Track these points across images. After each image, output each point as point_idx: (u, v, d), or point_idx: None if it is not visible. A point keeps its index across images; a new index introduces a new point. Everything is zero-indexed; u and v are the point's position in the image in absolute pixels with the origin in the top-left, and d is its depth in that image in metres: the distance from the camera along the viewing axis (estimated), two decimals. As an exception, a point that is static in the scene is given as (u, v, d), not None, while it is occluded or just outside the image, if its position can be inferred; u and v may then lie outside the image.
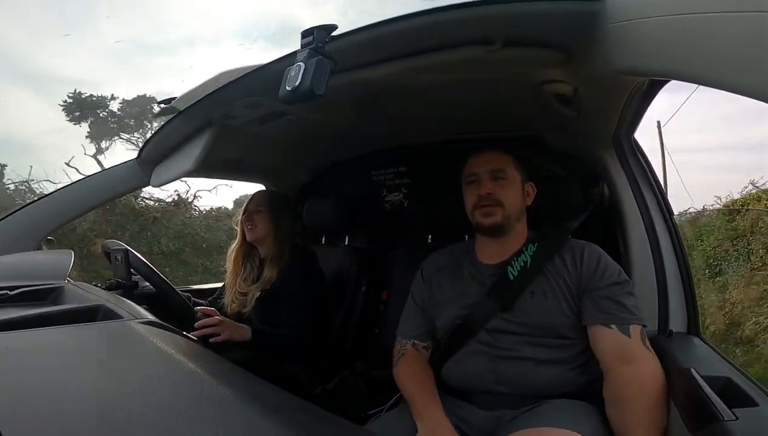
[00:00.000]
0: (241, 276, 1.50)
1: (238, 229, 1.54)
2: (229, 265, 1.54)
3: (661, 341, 0.99)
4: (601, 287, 0.93)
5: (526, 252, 1.02)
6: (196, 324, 1.19)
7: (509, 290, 0.99)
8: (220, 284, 1.70)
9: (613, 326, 0.89)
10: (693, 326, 1.06)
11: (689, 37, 0.47)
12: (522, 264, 1.00)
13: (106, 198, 1.54)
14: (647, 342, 0.89)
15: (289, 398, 0.56)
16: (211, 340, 1.17)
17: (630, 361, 0.86)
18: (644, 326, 0.91)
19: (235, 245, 1.55)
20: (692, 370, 0.79)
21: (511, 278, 1.00)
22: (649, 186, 1.22)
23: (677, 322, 1.06)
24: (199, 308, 1.24)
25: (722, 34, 0.43)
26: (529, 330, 0.95)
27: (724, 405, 0.68)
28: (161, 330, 0.76)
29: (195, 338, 1.04)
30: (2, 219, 1.30)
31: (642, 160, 1.25)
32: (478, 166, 1.06)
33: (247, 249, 1.53)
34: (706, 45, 0.45)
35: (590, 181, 1.33)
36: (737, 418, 0.65)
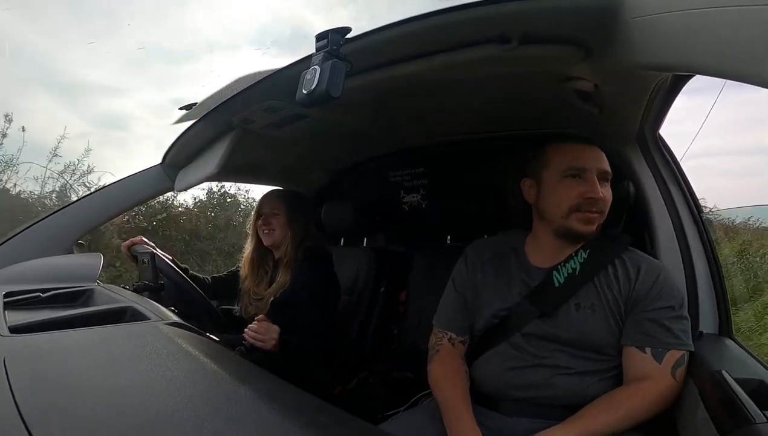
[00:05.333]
0: (256, 281, 1.48)
1: (251, 232, 1.51)
2: (244, 269, 1.52)
3: None
4: (651, 308, 0.87)
5: (575, 258, 0.94)
6: (246, 333, 1.24)
7: (552, 297, 0.92)
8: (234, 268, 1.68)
9: (648, 350, 0.85)
10: (725, 327, 1.02)
11: (712, 31, 0.46)
12: (570, 271, 0.93)
13: (133, 202, 1.59)
14: (679, 369, 0.84)
15: (310, 399, 0.56)
16: (253, 344, 1.22)
17: (645, 379, 0.84)
18: (689, 351, 0.86)
19: (248, 249, 1.51)
20: (723, 372, 0.76)
21: (557, 284, 0.93)
22: (677, 183, 1.18)
23: (708, 323, 1.02)
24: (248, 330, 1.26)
25: (746, 27, 0.41)
26: (568, 342, 0.90)
27: (756, 407, 0.65)
28: (186, 331, 0.79)
29: (217, 339, 1.06)
30: (34, 224, 1.36)
31: (668, 156, 1.21)
32: (588, 161, 0.92)
33: (261, 252, 1.50)
34: (730, 38, 0.44)
35: (615, 178, 1.30)
36: None
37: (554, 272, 0.94)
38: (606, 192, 0.92)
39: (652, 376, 0.84)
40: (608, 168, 0.94)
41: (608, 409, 0.82)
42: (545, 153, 0.97)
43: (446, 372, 0.98)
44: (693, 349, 0.87)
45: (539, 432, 0.81)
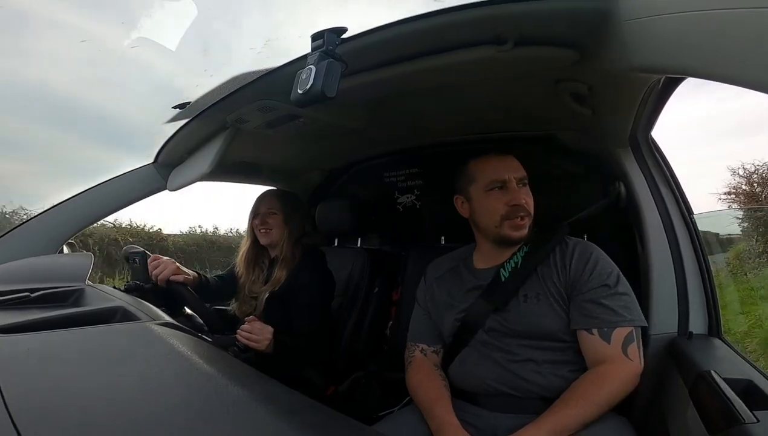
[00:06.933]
0: (251, 279, 1.48)
1: (247, 231, 1.51)
2: (240, 267, 1.51)
3: (680, 344, 0.96)
4: (587, 289, 0.92)
5: (518, 254, 1.02)
6: (239, 333, 1.24)
7: (501, 291, 0.99)
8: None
9: (594, 331, 0.89)
10: (714, 328, 1.04)
11: (705, 34, 0.46)
12: (513, 265, 1.00)
13: (124, 202, 1.56)
14: (630, 346, 0.87)
15: (302, 399, 0.56)
16: (246, 344, 1.23)
17: (602, 363, 0.87)
18: (639, 327, 0.90)
19: (244, 247, 1.52)
20: (712, 372, 0.77)
21: (503, 279, 1.00)
22: (668, 185, 1.19)
23: (698, 323, 1.04)
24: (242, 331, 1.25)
25: (739, 30, 0.42)
26: (525, 333, 0.95)
27: (745, 407, 0.66)
28: (177, 332, 0.78)
29: (209, 340, 1.05)
30: (24, 223, 1.34)
31: (660, 158, 1.22)
32: (507, 172, 1.01)
33: (257, 251, 1.50)
34: (722, 41, 0.44)
35: (606, 179, 1.31)
36: (758, 420, 0.63)
37: (500, 269, 1.01)
38: (527, 196, 1.01)
39: (606, 358, 0.87)
40: (524, 174, 1.03)
41: (572, 402, 0.85)
42: (469, 170, 1.06)
43: (421, 380, 1.03)
44: (643, 324, 0.91)
45: (515, 433, 0.83)
